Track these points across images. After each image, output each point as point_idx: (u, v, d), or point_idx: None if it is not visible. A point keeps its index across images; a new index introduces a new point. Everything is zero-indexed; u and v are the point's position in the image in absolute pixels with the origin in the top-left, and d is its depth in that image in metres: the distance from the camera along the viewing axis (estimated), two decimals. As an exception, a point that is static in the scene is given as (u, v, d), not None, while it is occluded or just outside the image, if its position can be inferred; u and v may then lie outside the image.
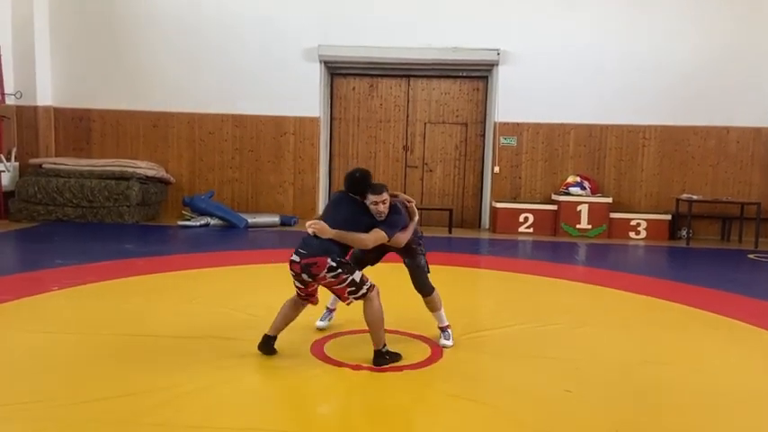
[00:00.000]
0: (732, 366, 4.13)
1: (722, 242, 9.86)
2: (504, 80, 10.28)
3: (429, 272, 4.33)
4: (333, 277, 3.81)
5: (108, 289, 5.61)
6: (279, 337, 4.10)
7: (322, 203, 10.84)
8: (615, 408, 3.38)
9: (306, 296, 4.05)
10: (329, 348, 4.18)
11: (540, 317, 5.07)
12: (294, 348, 4.17)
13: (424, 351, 4.16)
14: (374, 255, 4.35)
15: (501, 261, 7.86)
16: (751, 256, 8.40)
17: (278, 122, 10.63)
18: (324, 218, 3.95)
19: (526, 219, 10.11)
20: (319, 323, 4.59)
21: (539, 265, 7.56)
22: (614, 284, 6.32)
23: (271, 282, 6.19)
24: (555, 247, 9.04)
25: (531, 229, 10.08)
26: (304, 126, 10.62)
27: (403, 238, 4.15)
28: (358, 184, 4.00)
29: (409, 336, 4.44)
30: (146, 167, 9.95)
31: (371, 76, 10.91)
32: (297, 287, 4.00)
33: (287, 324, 4.12)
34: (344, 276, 3.83)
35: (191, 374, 3.66)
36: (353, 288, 3.88)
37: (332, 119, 11.04)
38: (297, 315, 4.14)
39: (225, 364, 3.86)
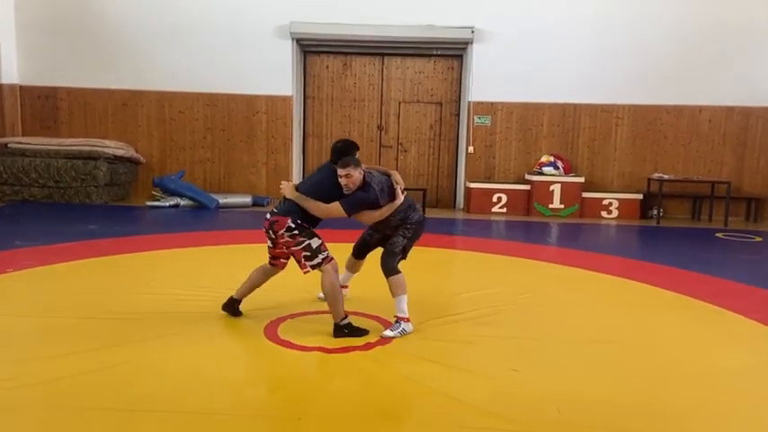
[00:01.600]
0: (685, 345, 4.16)
1: (693, 221, 9.93)
2: (478, 59, 10.19)
3: (404, 257, 4.23)
4: (290, 237, 3.96)
5: (66, 270, 5.52)
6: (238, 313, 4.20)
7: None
8: (559, 386, 3.39)
9: (273, 258, 4.23)
10: (283, 330, 4.15)
11: (501, 297, 5.06)
12: (248, 328, 4.15)
13: (378, 332, 4.13)
14: (379, 237, 4.40)
15: (472, 241, 7.85)
16: (719, 234, 8.47)
17: (250, 101, 10.48)
18: (302, 181, 4.21)
19: (500, 199, 10.11)
20: (321, 295, 4.55)
21: (509, 246, 7.55)
22: (582, 264, 6.33)
23: (237, 262, 6.14)
24: (527, 227, 9.05)
25: (504, 209, 10.08)
26: (276, 105, 10.48)
27: (368, 217, 4.11)
28: (335, 153, 4.09)
29: (366, 317, 4.40)
30: (114, 147, 9.79)
31: (345, 54, 10.76)
32: (268, 246, 4.20)
33: (252, 289, 4.32)
34: (301, 239, 3.95)
35: (138, 355, 3.63)
36: (308, 253, 3.97)
37: (305, 98, 10.90)
38: (264, 281, 4.32)
39: (174, 345, 3.82)
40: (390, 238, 4.23)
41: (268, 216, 4.08)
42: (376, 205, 4.07)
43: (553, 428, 2.93)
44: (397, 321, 4.11)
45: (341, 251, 4.57)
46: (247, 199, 9.99)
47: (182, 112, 10.51)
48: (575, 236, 8.57)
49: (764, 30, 9.64)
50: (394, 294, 4.14)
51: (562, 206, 9.91)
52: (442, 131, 10.90)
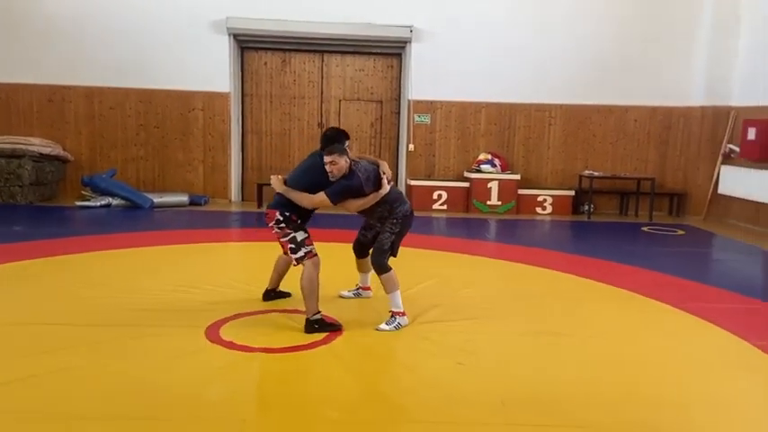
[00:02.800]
0: (624, 334, 4.34)
1: (620, 216, 10.40)
2: (417, 58, 10.30)
3: (394, 254, 4.29)
4: (278, 229, 4.14)
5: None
6: (174, 318, 4.23)
7: (234, 181, 10.57)
8: (504, 378, 3.49)
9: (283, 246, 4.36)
10: (226, 331, 4.08)
11: (442, 292, 5.15)
12: (189, 330, 4.06)
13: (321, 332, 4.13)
14: (373, 234, 4.45)
15: (414, 238, 7.92)
16: (645, 228, 8.91)
17: (185, 98, 10.20)
18: (293, 170, 4.33)
19: (440, 196, 10.27)
20: (344, 292, 4.85)
21: (451, 242, 7.67)
22: (522, 259, 6.52)
23: (176, 262, 6.00)
24: (468, 224, 9.23)
25: (444, 206, 10.25)
26: (214, 102, 10.25)
27: (353, 205, 4.19)
28: (324, 141, 4.23)
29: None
30: (40, 144, 9.31)
31: (284, 50, 10.65)
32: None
33: (281, 276, 4.66)
34: (288, 231, 4.13)
35: (73, 362, 3.48)
36: (293, 246, 4.13)
37: (243, 95, 10.72)
38: (288, 268, 4.57)
39: (112, 350, 3.69)
40: (381, 234, 4.29)
41: (264, 209, 4.31)
42: (360, 193, 4.13)
43: (497, 421, 3.01)
44: (392, 316, 4.21)
45: (337, 250, 4.83)
46: (184, 198, 9.73)
47: (112, 108, 10.12)
48: (513, 232, 8.81)
49: (683, 34, 10.18)
50: (387, 291, 4.24)
51: (500, 203, 10.17)
52: (383, 130, 10.96)
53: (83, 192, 9.47)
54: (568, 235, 8.83)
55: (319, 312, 4.13)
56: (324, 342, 3.94)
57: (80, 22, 9.80)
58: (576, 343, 4.12)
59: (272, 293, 4.74)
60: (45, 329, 4.02)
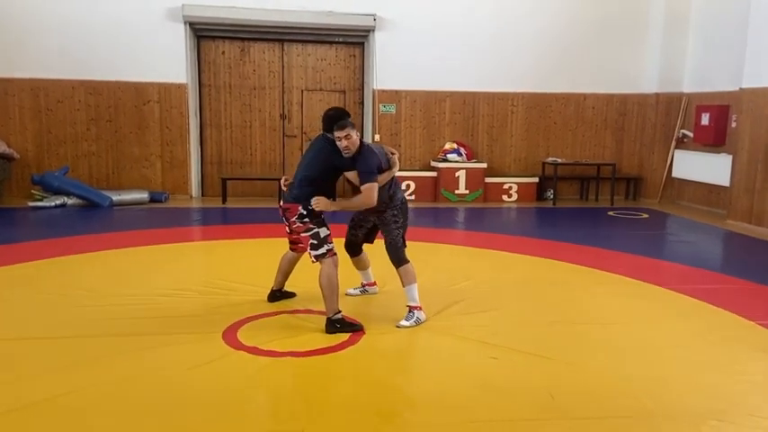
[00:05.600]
0: (639, 319, 4.42)
1: (581, 201, 10.72)
2: (381, 47, 10.18)
3: (405, 245, 4.27)
4: (301, 223, 4.02)
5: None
6: (184, 324, 4.02)
7: (194, 176, 10.16)
8: (542, 371, 3.50)
9: (292, 243, 4.38)
10: (244, 335, 3.91)
11: (442, 284, 5.13)
12: (204, 336, 3.86)
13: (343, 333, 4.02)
14: (365, 231, 4.42)
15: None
16: (611, 213, 9.22)
17: (139, 89, 9.69)
18: (297, 168, 4.15)
19: (408, 186, 10.24)
20: (350, 290, 4.73)
21: (432, 233, 7.65)
22: (505, 247, 6.59)
23: (159, 262, 5.71)
24: (437, 213, 9.26)
25: (413, 196, 10.23)
26: (170, 93, 9.78)
27: (380, 181, 4.02)
28: (328, 121, 4.03)
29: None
30: (-17, 142, 8.62)
31: (242, 39, 10.28)
32: (287, 232, 4.28)
33: (286, 276, 4.54)
34: (311, 226, 4.01)
35: (85, 380, 3.22)
36: (315, 242, 4.02)
37: (200, 86, 10.29)
38: (292, 268, 4.51)
39: (123, 365, 3.45)
40: (384, 228, 4.20)
41: (281, 203, 4.18)
42: (380, 169, 4.06)
43: (552, 416, 3.00)
44: (410, 311, 4.17)
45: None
46: (144, 195, 9.28)
47: (60, 101, 9.48)
48: (487, 220, 8.90)
49: (637, 23, 10.55)
50: (404, 284, 4.21)
51: (467, 192, 10.25)
52: (346, 120, 10.78)
53: (33, 191, 8.85)
54: (541, 222, 9.01)
55: (340, 312, 4.03)
56: (350, 343, 3.83)
57: (21, 8, 9.10)
58: (596, 331, 4.19)
59: (278, 294, 4.61)
60: (44, 344, 3.71)
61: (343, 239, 4.53)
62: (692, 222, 8.56)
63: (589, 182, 10.81)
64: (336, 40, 10.48)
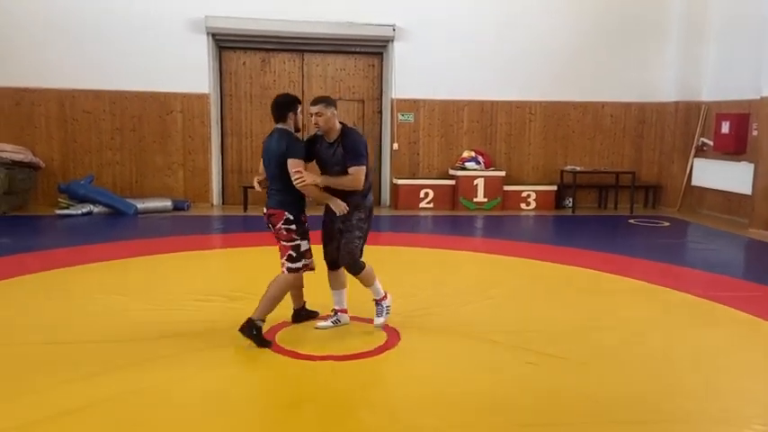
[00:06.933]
0: (670, 326, 4.43)
1: (600, 209, 10.72)
2: (400, 56, 10.28)
3: (360, 255, 4.00)
4: (286, 231, 3.87)
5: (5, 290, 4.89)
6: (226, 324, 4.04)
7: (215, 185, 10.28)
8: (581, 375, 3.52)
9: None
10: (281, 337, 3.97)
11: (472, 292, 5.17)
12: (244, 338, 3.89)
13: (380, 336, 4.07)
14: (336, 245, 4.03)
15: (415, 237, 7.94)
16: (631, 221, 9.22)
17: (163, 99, 9.83)
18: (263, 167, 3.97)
19: (426, 194, 10.30)
20: (321, 323, 4.22)
21: (448, 240, 7.71)
22: (529, 255, 6.61)
23: (177, 273, 5.78)
24: (456, 221, 9.31)
25: (431, 205, 10.29)
26: (192, 103, 9.93)
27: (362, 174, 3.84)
28: (276, 109, 3.89)
29: (364, 321, 4.31)
30: (12, 151, 8.76)
31: (263, 50, 10.42)
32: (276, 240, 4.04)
33: (300, 290, 4.22)
34: (294, 236, 3.88)
35: (134, 383, 3.29)
36: (294, 254, 3.88)
37: (222, 96, 10.43)
38: (302, 278, 4.14)
39: (168, 368, 3.51)
40: (346, 233, 3.90)
41: (264, 210, 3.98)
42: (367, 152, 3.89)
43: (599, 420, 3.02)
44: (377, 304, 4.11)
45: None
46: (167, 203, 9.39)
47: (86, 111, 9.64)
48: (507, 228, 8.93)
49: (656, 32, 10.59)
50: (367, 285, 4.07)
51: (486, 200, 10.29)
52: (365, 129, 10.88)
53: (59, 199, 8.99)
54: (562, 230, 9.02)
55: (263, 322, 3.88)
56: (387, 347, 3.88)
57: (49, 22, 9.28)
58: (630, 337, 4.21)
59: (303, 313, 4.31)
60: (74, 348, 3.79)
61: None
62: (713, 231, 8.55)
63: (608, 190, 10.82)
64: (355, 50, 10.60)
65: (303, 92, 10.59)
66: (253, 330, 3.80)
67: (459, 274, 5.83)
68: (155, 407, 3.05)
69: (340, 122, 3.94)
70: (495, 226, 8.99)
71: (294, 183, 3.73)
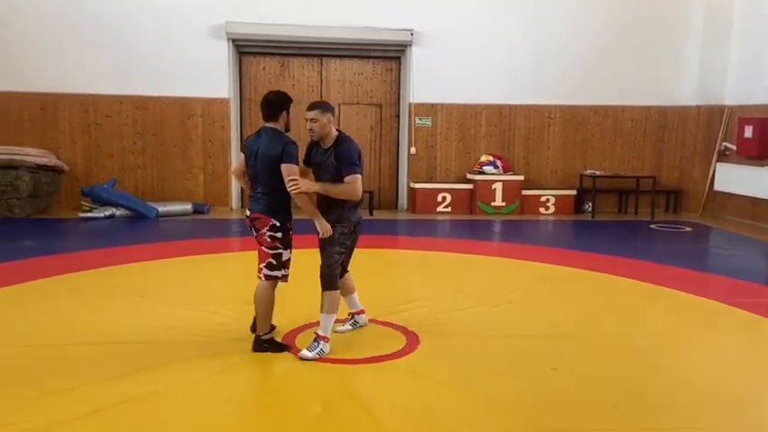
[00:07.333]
0: (693, 332, 4.38)
1: (620, 214, 10.62)
2: (417, 61, 10.30)
3: (346, 271, 3.93)
4: (270, 238, 3.71)
5: (29, 291, 4.98)
6: (246, 326, 4.02)
7: (234, 189, 10.36)
8: (603, 382, 3.49)
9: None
10: (301, 340, 3.98)
11: (492, 295, 5.15)
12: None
13: (399, 340, 4.07)
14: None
15: (432, 241, 7.93)
16: (653, 226, 9.12)
17: (184, 104, 9.96)
18: (248, 169, 3.77)
19: (444, 198, 10.29)
20: (339, 327, 4.16)
21: (466, 244, 7.68)
22: (550, 260, 6.56)
23: (199, 275, 5.84)
24: (474, 225, 9.28)
25: (448, 209, 10.27)
26: (213, 108, 10.03)
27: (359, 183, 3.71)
28: (266, 107, 3.77)
29: (382, 324, 4.33)
30: (36, 155, 8.93)
31: (282, 55, 10.50)
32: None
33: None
34: (278, 245, 3.73)
35: (159, 385, 3.33)
36: (275, 262, 3.75)
37: (242, 100, 10.52)
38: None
39: (194, 371, 3.55)
40: (326, 246, 3.79)
41: (248, 213, 3.82)
42: (361, 160, 3.75)
43: (618, 427, 3.00)
44: (315, 340, 3.77)
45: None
46: (188, 206, 9.49)
47: (108, 116, 9.79)
48: (526, 232, 8.88)
49: (677, 34, 10.48)
50: (323, 310, 3.79)
51: (504, 204, 10.25)
52: (383, 133, 10.92)
53: (82, 203, 9.13)
54: (582, 234, 8.95)
55: (271, 331, 3.89)
56: (406, 351, 3.88)
57: (73, 29, 9.45)
58: (653, 343, 4.18)
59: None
60: (97, 349, 3.84)
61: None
62: (736, 236, 8.43)
63: (628, 195, 10.72)
64: (373, 54, 10.63)
65: (321, 96, 10.63)
66: (263, 344, 3.81)
67: (477, 278, 5.81)
68: (174, 409, 3.09)
69: (337, 129, 3.84)
70: (514, 230, 8.95)
71: (288, 190, 3.58)
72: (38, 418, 2.91)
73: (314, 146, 3.89)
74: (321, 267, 3.81)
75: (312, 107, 3.75)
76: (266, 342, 3.81)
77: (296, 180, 3.58)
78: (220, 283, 5.49)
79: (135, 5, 9.58)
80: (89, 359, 3.69)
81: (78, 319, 4.44)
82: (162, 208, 9.18)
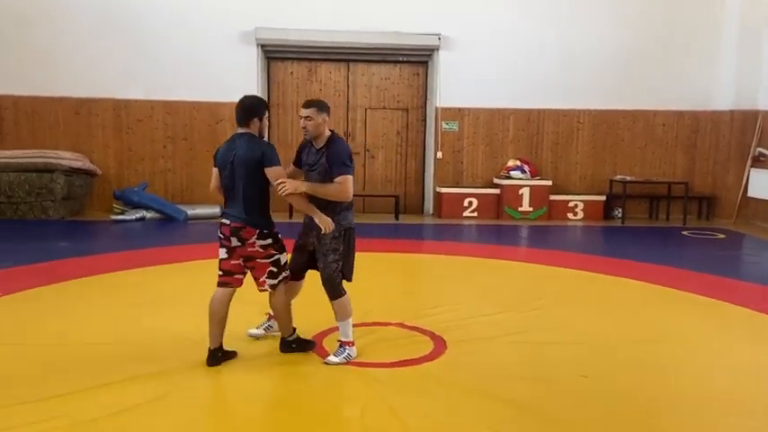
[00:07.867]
0: (725, 341, 4.30)
1: (651, 220, 10.43)
2: (444, 65, 10.29)
3: (348, 278, 3.77)
4: (261, 248, 3.58)
5: (61, 291, 5.08)
6: (268, 333, 4.03)
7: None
8: (636, 388, 3.43)
9: (225, 274, 3.65)
10: (328, 343, 3.99)
11: (519, 301, 5.10)
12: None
13: (427, 344, 4.06)
14: (305, 258, 3.84)
15: (459, 246, 7.90)
16: (685, 233, 8.94)
17: (213, 109, 10.09)
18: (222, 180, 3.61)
19: (470, 203, 10.23)
20: (253, 331, 4.09)
21: (494, 249, 7.62)
22: (579, 266, 6.47)
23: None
24: (501, 231, 9.21)
25: (475, 213, 10.21)
26: (241, 112, 10.13)
27: (350, 185, 3.60)
28: (241, 112, 3.65)
29: (410, 329, 4.32)
30: (70, 158, 9.14)
31: (310, 60, 10.59)
32: (220, 260, 3.67)
33: (223, 326, 3.68)
34: (272, 252, 3.63)
35: (189, 385, 3.37)
36: (275, 269, 3.65)
37: (269, 105, 10.62)
38: (227, 310, 3.70)
39: (222, 375, 3.58)
40: (320, 257, 3.69)
41: (226, 221, 3.58)
42: (352, 160, 3.66)
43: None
44: (341, 346, 3.74)
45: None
46: (216, 210, 9.57)
47: (140, 120, 9.98)
48: (555, 238, 8.77)
49: (710, 38, 10.29)
50: (338, 319, 3.76)
51: (531, 209, 10.16)
52: (409, 137, 10.92)
53: (114, 205, 9.32)
54: (612, 241, 8.81)
55: (295, 330, 3.86)
56: (432, 357, 3.86)
57: (106, 35, 9.67)
58: (684, 351, 4.09)
59: (220, 354, 3.68)
60: (129, 348, 3.90)
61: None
62: (772, 243, 8.22)
63: (659, 201, 10.53)
64: (400, 59, 10.65)
65: (348, 100, 10.71)
66: (291, 345, 3.81)
67: (504, 283, 5.75)
68: (201, 409, 3.12)
69: (330, 130, 3.76)
70: (542, 236, 8.85)
71: (279, 193, 3.45)
72: (76, 414, 2.96)
73: (305, 147, 3.84)
74: (322, 281, 3.74)
75: (308, 105, 3.68)
76: (293, 342, 3.83)
77: (284, 183, 3.47)
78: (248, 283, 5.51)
79: (167, 12, 9.77)
80: (118, 357, 3.74)
81: (111, 318, 4.52)
82: (191, 211, 9.31)
